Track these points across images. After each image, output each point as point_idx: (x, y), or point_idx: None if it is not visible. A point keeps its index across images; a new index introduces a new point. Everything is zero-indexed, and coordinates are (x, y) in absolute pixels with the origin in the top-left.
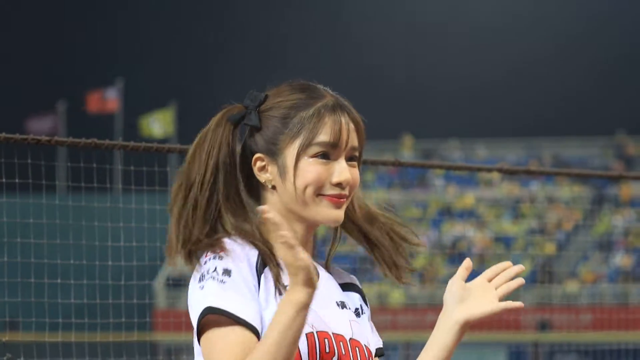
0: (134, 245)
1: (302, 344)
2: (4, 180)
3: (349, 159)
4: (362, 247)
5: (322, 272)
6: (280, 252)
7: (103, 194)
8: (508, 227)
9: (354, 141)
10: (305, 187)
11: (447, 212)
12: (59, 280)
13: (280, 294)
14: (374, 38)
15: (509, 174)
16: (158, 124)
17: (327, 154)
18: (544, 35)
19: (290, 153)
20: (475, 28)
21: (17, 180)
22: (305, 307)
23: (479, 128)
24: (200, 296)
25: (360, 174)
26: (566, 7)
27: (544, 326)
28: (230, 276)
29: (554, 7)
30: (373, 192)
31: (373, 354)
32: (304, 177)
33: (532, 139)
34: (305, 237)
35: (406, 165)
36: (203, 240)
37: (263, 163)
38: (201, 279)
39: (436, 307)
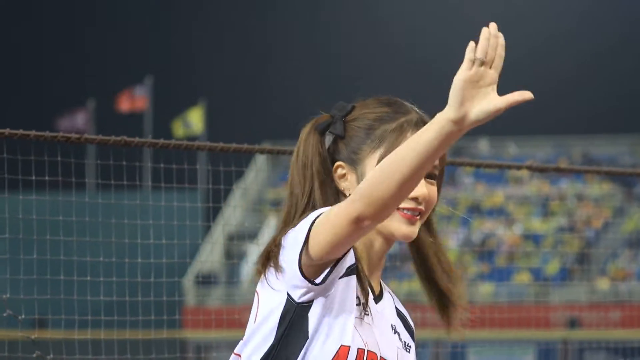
0: (163, 243)
1: (352, 356)
2: (33, 177)
3: (428, 176)
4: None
5: (386, 291)
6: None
7: (133, 192)
8: (537, 224)
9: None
10: None
11: (476, 210)
12: (88, 278)
13: (358, 304)
14: (404, 33)
15: (538, 171)
16: (190, 123)
17: None
18: (577, 34)
19: (370, 163)
20: (506, 25)
21: (46, 178)
22: (452, 139)
23: (508, 126)
24: (300, 224)
25: (439, 193)
26: (599, 9)
27: (573, 324)
28: None
29: (590, 7)
30: None
31: None
32: None
33: (562, 136)
34: (382, 251)
35: None
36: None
37: (344, 171)
38: (293, 230)
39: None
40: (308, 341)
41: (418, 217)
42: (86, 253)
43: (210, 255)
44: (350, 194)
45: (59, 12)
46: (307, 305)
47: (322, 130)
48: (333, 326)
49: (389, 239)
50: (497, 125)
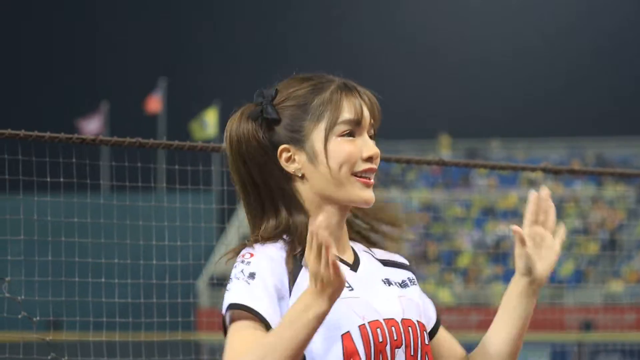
0: (178, 245)
1: (356, 337)
2: (48, 179)
3: (370, 137)
4: (405, 246)
5: (361, 252)
6: (316, 265)
7: (147, 193)
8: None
9: (371, 117)
10: (340, 167)
11: (490, 212)
12: (103, 280)
13: None
14: (415, 36)
15: (552, 173)
16: (206, 124)
17: (352, 132)
18: (586, 37)
19: (317, 136)
20: (520, 23)
21: (61, 180)
22: (324, 317)
23: (520, 127)
24: (226, 296)
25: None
26: (611, 11)
27: (587, 326)
28: (254, 279)
29: (599, 10)
30: (416, 192)
31: (428, 326)
32: (337, 156)
33: (575, 138)
34: (340, 220)
35: (450, 164)
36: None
37: (289, 154)
38: (229, 282)
39: (480, 306)
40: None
41: (373, 182)
42: (101, 255)
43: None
44: (303, 175)
45: (68, 13)
46: None
47: (255, 117)
48: (322, 327)
49: (346, 207)
50: (509, 127)
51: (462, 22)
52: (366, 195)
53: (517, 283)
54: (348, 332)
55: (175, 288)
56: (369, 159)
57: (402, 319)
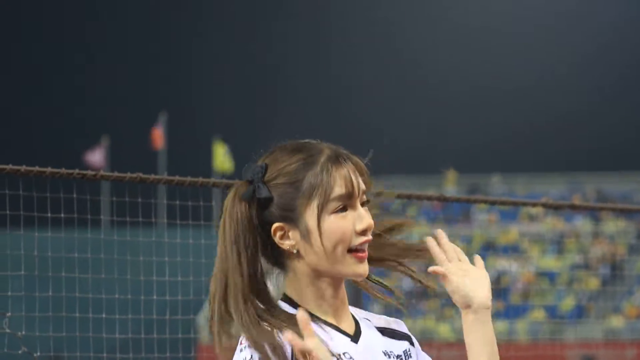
0: (179, 280)
1: None
2: (49, 214)
3: (362, 203)
4: (406, 282)
5: (362, 320)
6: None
7: (148, 229)
8: (552, 262)
9: (363, 185)
10: (335, 246)
11: (490, 247)
12: (103, 315)
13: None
14: (418, 71)
15: (553, 208)
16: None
17: (345, 207)
18: (589, 75)
19: (310, 215)
20: (518, 58)
21: (62, 215)
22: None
23: (520, 163)
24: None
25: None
26: (612, 46)
27: None
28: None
29: (599, 47)
30: (416, 227)
31: None
32: (331, 236)
33: (575, 173)
34: (336, 290)
35: (451, 200)
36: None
37: (283, 232)
38: (240, 343)
39: None
40: None
41: (366, 255)
42: (101, 290)
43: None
44: (297, 251)
45: (68, 46)
46: None
47: (248, 198)
48: None
49: (339, 279)
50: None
51: (466, 59)
52: (360, 270)
53: (466, 318)
54: None
55: (176, 323)
56: (363, 232)
57: None
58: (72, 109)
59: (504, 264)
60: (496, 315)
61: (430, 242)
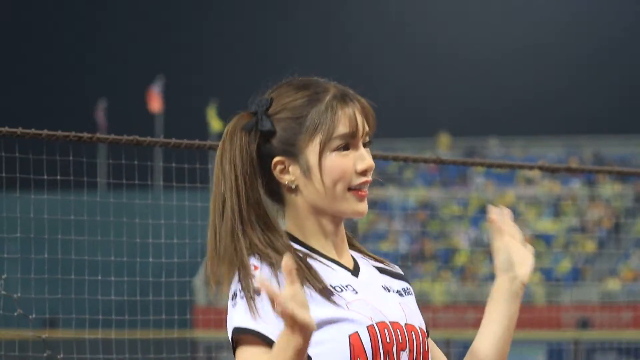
0: (174, 242)
1: (365, 338)
2: (45, 177)
3: (363, 144)
4: (402, 245)
5: (359, 259)
6: (289, 306)
7: (144, 191)
8: (548, 225)
9: (366, 126)
10: (335, 183)
11: (487, 210)
12: (99, 277)
13: (340, 290)
14: (414, 34)
15: (550, 171)
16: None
17: (347, 145)
18: (584, 36)
19: (312, 151)
20: (517, 22)
21: (58, 178)
22: (304, 350)
23: (518, 126)
24: (232, 314)
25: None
26: (609, 9)
27: (584, 324)
28: (259, 295)
29: (597, 9)
30: (414, 190)
31: (426, 334)
32: (332, 173)
33: (572, 136)
34: (336, 227)
35: (447, 162)
36: (240, 255)
37: (283, 166)
38: (234, 297)
39: (477, 304)
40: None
41: (366, 193)
42: (97, 252)
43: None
44: (297, 186)
45: (62, 11)
46: None
47: (249, 129)
48: (329, 329)
49: (339, 218)
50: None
51: (461, 20)
52: (360, 208)
53: (500, 281)
54: (356, 332)
55: (172, 286)
56: (364, 172)
57: (406, 324)
58: (70, 72)
59: None
60: (492, 278)
61: (492, 216)
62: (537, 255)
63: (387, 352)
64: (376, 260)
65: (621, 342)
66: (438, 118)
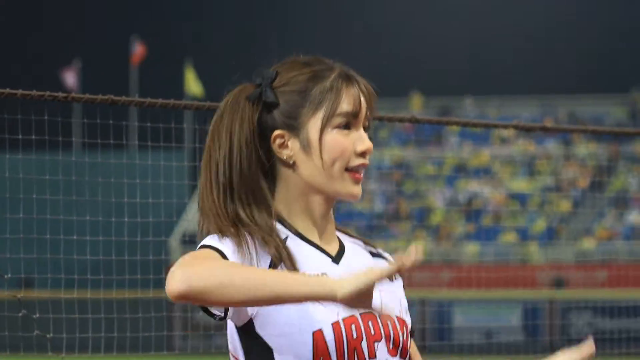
0: (150, 202)
1: (329, 336)
2: (20, 137)
3: (363, 128)
4: (377, 205)
5: (348, 243)
6: (371, 276)
7: (119, 151)
8: (523, 184)
9: (367, 109)
10: (334, 161)
11: (462, 170)
12: (74, 237)
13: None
14: None
15: (525, 130)
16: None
17: (348, 124)
18: None
19: (313, 126)
20: None
21: (33, 137)
22: (311, 300)
23: (492, 86)
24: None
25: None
26: None
27: (559, 284)
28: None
29: None
30: (388, 150)
31: (408, 323)
32: (331, 150)
33: (547, 96)
34: (326, 210)
35: (423, 121)
36: (224, 222)
37: (282, 140)
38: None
39: (452, 264)
40: (275, 352)
41: (362, 178)
42: (73, 212)
43: (196, 214)
44: (294, 162)
45: None
46: (247, 324)
47: (253, 99)
48: (294, 321)
49: (333, 199)
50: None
51: None
52: (355, 190)
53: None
54: (320, 329)
55: (147, 245)
56: (363, 154)
57: (380, 314)
58: (45, 31)
59: (475, 186)
60: (467, 238)
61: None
62: (512, 215)
63: (354, 349)
64: (369, 245)
65: (596, 301)
66: (411, 78)
